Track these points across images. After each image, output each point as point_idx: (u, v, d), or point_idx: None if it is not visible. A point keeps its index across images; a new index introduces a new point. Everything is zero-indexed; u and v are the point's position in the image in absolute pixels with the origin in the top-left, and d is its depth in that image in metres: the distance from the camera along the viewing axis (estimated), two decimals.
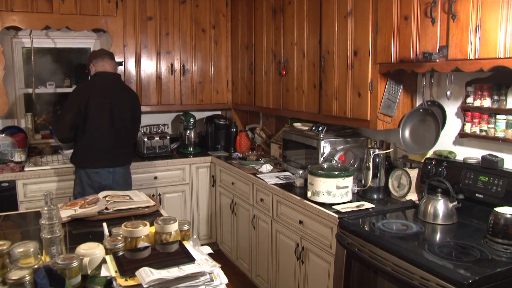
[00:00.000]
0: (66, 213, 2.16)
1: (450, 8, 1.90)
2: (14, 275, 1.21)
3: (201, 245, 1.57)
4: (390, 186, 2.55)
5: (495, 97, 2.11)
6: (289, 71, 3.23)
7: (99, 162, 3.04)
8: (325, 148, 2.82)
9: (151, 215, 2.22)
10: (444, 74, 2.35)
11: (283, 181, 2.97)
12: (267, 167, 3.27)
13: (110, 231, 1.69)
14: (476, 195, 2.11)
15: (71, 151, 3.47)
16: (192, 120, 4.14)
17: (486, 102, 2.14)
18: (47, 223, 1.50)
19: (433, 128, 2.32)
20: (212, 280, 1.37)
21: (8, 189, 3.26)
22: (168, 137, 4.00)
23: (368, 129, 2.89)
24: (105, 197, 2.41)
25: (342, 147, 2.84)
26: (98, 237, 1.74)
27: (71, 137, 3.05)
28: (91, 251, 1.50)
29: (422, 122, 2.40)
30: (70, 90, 4.06)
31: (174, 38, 4.01)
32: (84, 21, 3.60)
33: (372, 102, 2.46)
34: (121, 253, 1.48)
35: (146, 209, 2.28)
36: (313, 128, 2.93)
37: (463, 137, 2.31)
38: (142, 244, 1.58)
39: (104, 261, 1.46)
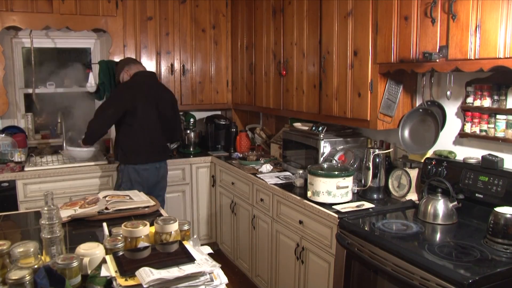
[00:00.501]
0: (66, 213, 2.16)
1: (450, 8, 1.90)
2: (14, 275, 1.21)
3: (201, 245, 1.57)
4: (390, 186, 2.55)
5: (495, 97, 2.11)
6: (289, 71, 3.23)
7: (150, 157, 3.21)
8: (325, 148, 2.82)
9: (151, 215, 2.22)
10: (444, 74, 2.35)
11: (283, 181, 2.97)
12: (267, 167, 3.27)
13: (110, 231, 1.69)
14: (476, 195, 2.11)
15: (75, 149, 3.49)
16: (192, 120, 4.15)
17: (486, 102, 2.14)
18: (47, 223, 1.50)
19: (432, 128, 2.32)
20: (212, 280, 1.37)
21: (8, 189, 3.26)
22: None
23: (368, 129, 2.89)
24: (105, 197, 2.41)
25: (342, 147, 2.84)
26: (98, 237, 1.74)
27: (103, 135, 3.24)
28: (91, 251, 1.50)
29: (422, 122, 2.40)
30: (70, 90, 4.07)
31: (174, 38, 4.01)
32: (84, 21, 3.60)
33: (372, 102, 2.46)
34: (121, 253, 1.48)
35: (146, 209, 2.28)
36: (313, 128, 2.93)
37: (463, 137, 2.31)
38: (142, 244, 1.58)
39: (104, 261, 1.46)
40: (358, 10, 2.48)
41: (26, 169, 3.35)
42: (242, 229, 3.47)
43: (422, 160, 2.44)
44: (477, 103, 2.18)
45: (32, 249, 1.36)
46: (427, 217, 2.12)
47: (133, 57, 3.85)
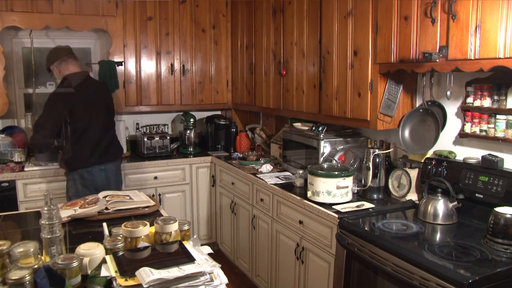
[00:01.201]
0: (66, 213, 2.17)
1: (450, 8, 1.90)
2: (14, 275, 1.21)
3: (201, 245, 1.57)
4: (390, 186, 2.55)
5: (495, 97, 2.11)
6: (289, 71, 3.23)
7: (91, 160, 3.05)
8: (325, 148, 2.82)
9: (151, 215, 2.22)
10: (444, 74, 2.35)
11: (283, 181, 2.97)
12: (267, 167, 3.27)
13: (110, 231, 1.69)
14: (476, 195, 2.11)
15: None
16: (192, 120, 4.15)
17: (486, 102, 2.14)
18: (47, 223, 1.50)
19: (433, 128, 2.32)
20: (212, 280, 1.37)
21: (8, 189, 3.26)
22: (168, 137, 4.00)
23: (368, 129, 2.89)
24: (105, 197, 2.41)
25: (342, 147, 2.84)
26: (98, 237, 1.74)
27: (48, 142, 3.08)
28: (91, 251, 1.50)
29: (422, 122, 2.40)
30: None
31: (174, 38, 4.01)
32: (84, 21, 3.60)
33: (372, 102, 2.46)
34: (121, 253, 1.48)
35: (146, 209, 2.28)
36: (313, 128, 2.93)
37: (463, 137, 2.31)
38: (142, 244, 1.58)
39: (104, 261, 1.46)
40: (358, 10, 2.48)
41: (26, 169, 3.35)
42: (242, 229, 3.47)
43: (422, 160, 2.44)
44: (477, 103, 2.18)
45: (32, 249, 1.36)
46: (427, 217, 2.12)
47: (133, 57, 3.86)
